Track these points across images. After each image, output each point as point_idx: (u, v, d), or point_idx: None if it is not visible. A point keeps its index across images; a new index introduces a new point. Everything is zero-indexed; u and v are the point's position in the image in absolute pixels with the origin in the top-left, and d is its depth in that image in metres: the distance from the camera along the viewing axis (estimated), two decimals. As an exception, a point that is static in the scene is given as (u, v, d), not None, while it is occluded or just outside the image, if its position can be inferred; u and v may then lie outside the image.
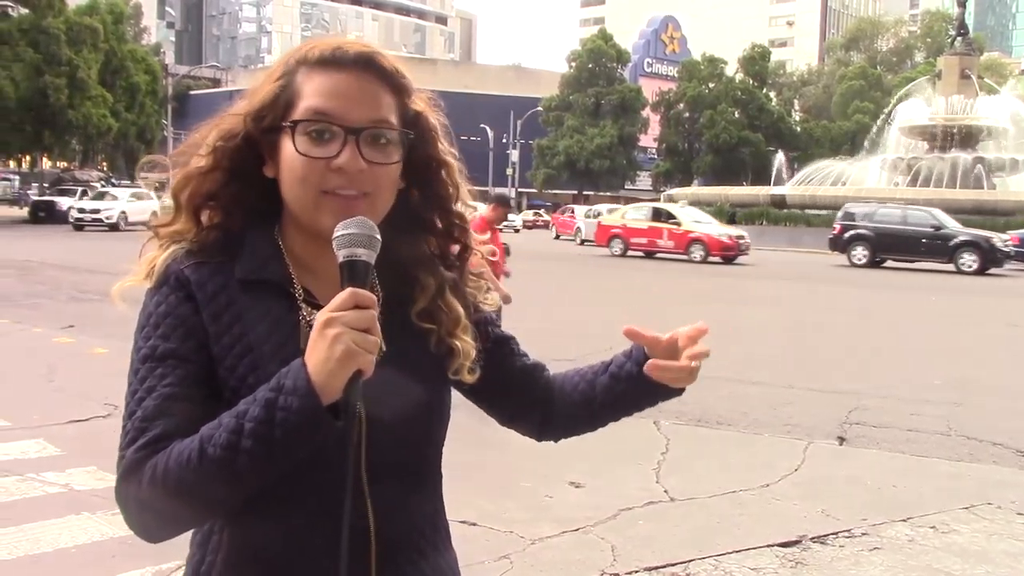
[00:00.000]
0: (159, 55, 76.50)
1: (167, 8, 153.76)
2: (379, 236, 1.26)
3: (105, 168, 62.98)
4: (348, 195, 1.31)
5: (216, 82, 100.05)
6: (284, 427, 1.17)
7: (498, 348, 1.54)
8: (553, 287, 19.66)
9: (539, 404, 1.57)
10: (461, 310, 1.45)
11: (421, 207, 1.46)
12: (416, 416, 1.39)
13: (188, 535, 1.37)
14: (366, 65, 1.35)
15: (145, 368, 1.30)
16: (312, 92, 1.34)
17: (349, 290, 1.19)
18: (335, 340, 1.16)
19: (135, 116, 58.26)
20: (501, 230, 10.54)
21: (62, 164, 61.28)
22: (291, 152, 1.32)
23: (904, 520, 5.53)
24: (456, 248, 1.51)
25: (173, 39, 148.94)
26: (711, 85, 76.07)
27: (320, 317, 1.19)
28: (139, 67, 59.37)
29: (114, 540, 4.72)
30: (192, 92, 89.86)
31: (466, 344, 1.44)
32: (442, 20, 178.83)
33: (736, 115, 74.86)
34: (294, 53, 1.40)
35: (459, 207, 1.49)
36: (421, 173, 1.44)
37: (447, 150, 1.47)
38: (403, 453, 1.38)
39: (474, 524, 5.13)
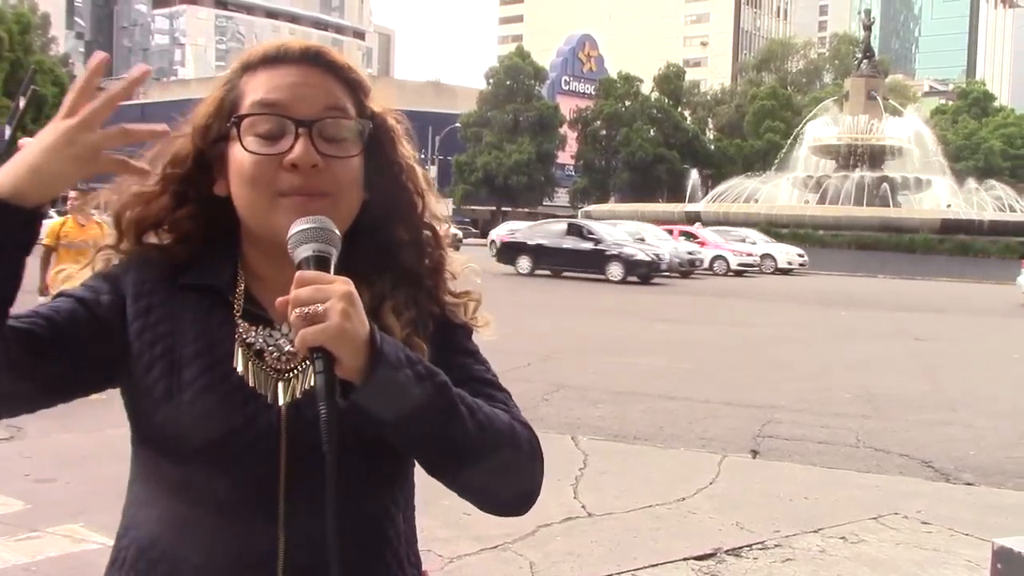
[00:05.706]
0: (68, 66, 74.56)
1: (76, 18, 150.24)
2: (339, 234, 1.13)
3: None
4: (306, 195, 1.17)
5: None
6: None
7: None
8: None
9: None
10: (397, 331, 1.24)
11: (382, 217, 1.29)
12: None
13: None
14: (314, 59, 1.24)
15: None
16: (257, 88, 1.22)
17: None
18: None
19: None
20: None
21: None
22: (239, 154, 1.19)
23: (815, 531, 5.65)
24: (428, 263, 1.33)
25: (83, 50, 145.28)
26: (627, 103, 77.04)
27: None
28: (46, 78, 57.88)
29: (17, 567, 4.57)
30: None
31: None
32: (360, 35, 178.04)
33: (652, 133, 75.94)
34: (237, 60, 1.28)
35: (426, 217, 1.33)
36: (381, 179, 1.28)
37: (409, 154, 1.33)
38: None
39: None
